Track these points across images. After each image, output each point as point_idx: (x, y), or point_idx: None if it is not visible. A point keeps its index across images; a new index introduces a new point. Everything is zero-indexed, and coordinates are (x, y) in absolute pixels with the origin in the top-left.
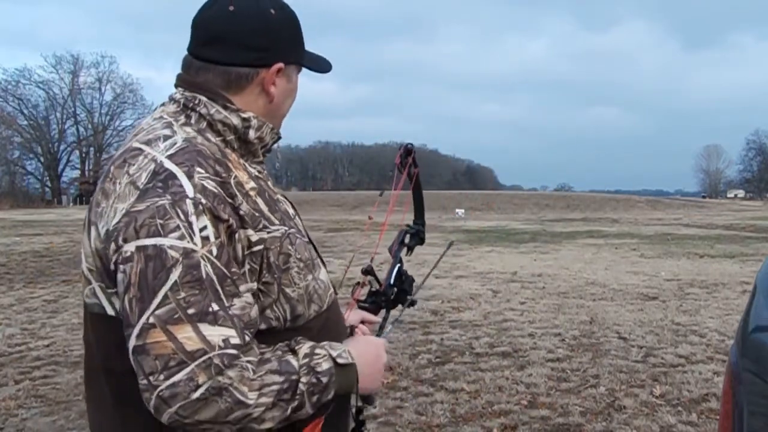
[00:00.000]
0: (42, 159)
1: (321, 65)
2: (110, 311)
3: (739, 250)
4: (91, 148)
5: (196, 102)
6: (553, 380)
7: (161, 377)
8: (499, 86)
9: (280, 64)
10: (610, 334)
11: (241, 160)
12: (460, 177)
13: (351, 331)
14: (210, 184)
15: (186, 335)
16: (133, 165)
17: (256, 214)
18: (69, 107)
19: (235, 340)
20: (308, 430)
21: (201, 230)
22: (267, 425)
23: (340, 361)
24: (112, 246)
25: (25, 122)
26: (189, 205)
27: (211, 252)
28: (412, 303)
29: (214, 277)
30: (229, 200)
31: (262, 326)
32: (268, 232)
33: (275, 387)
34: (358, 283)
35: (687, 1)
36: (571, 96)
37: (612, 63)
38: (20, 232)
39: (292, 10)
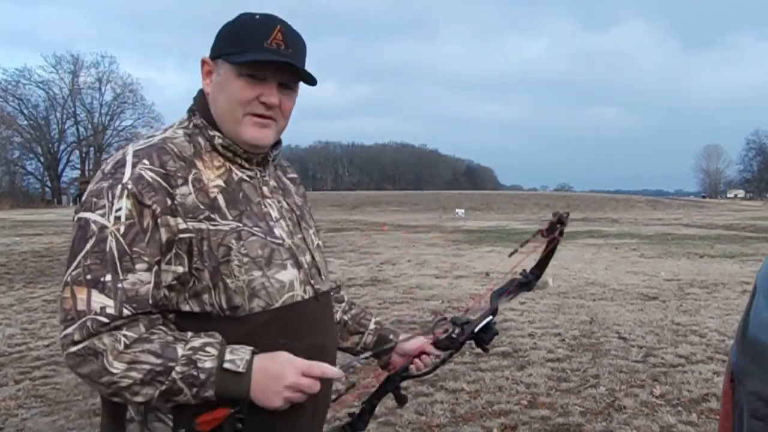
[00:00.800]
0: (42, 159)
1: (253, 55)
2: None
3: (739, 250)
4: (91, 148)
5: (193, 113)
6: (553, 380)
7: (62, 326)
8: (499, 86)
9: (203, 58)
10: (610, 334)
11: (227, 163)
12: (460, 177)
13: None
14: (148, 174)
15: (81, 296)
16: (111, 155)
17: (201, 207)
18: (69, 107)
19: (111, 311)
20: (204, 418)
21: (117, 210)
22: (140, 399)
23: (226, 365)
24: (75, 216)
25: (25, 122)
26: (118, 189)
27: (119, 230)
28: (485, 349)
29: (116, 252)
30: (167, 189)
31: (196, 308)
32: (212, 224)
33: (147, 366)
34: (443, 318)
35: (687, 1)
36: (571, 96)
37: (612, 63)
38: (20, 232)
39: (244, 16)
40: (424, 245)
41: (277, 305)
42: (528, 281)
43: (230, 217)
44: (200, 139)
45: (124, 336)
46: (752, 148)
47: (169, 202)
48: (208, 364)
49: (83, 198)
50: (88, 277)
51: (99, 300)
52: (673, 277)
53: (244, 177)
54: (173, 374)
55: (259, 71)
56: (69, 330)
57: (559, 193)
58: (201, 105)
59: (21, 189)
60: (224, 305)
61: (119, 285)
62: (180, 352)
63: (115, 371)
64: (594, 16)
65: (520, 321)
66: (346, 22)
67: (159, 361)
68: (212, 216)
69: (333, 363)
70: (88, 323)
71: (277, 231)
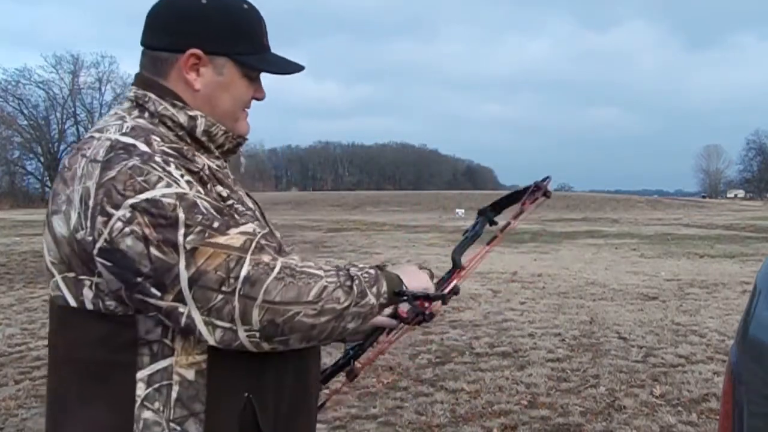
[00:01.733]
0: (42, 159)
1: (269, 64)
2: (72, 302)
3: (739, 250)
4: None
5: (146, 99)
6: (553, 380)
7: (231, 280)
8: (500, 86)
9: (194, 50)
10: (610, 334)
11: (198, 152)
12: (460, 177)
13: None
14: (169, 149)
15: (226, 238)
16: (87, 148)
17: (218, 179)
18: (69, 107)
19: (261, 230)
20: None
21: (182, 177)
22: (345, 304)
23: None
24: (100, 220)
25: (25, 122)
26: (159, 159)
27: (200, 192)
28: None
29: (213, 211)
30: (191, 161)
31: None
32: (230, 195)
33: (333, 270)
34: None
35: (689, 0)
36: (572, 96)
37: (613, 63)
38: (20, 232)
39: (233, 4)
40: (424, 245)
41: None
42: (489, 218)
43: (234, 197)
44: (164, 129)
45: (288, 256)
46: (752, 148)
47: (200, 169)
48: (365, 266)
49: (116, 191)
50: (216, 224)
51: (246, 227)
52: (673, 277)
53: (213, 167)
54: (352, 271)
55: (259, 71)
56: (246, 268)
57: (559, 193)
58: (164, 91)
59: (21, 189)
60: None
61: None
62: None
63: (320, 273)
64: (595, 16)
65: (520, 321)
66: (348, 22)
67: (329, 267)
68: (229, 191)
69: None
70: (262, 240)
71: (262, 220)
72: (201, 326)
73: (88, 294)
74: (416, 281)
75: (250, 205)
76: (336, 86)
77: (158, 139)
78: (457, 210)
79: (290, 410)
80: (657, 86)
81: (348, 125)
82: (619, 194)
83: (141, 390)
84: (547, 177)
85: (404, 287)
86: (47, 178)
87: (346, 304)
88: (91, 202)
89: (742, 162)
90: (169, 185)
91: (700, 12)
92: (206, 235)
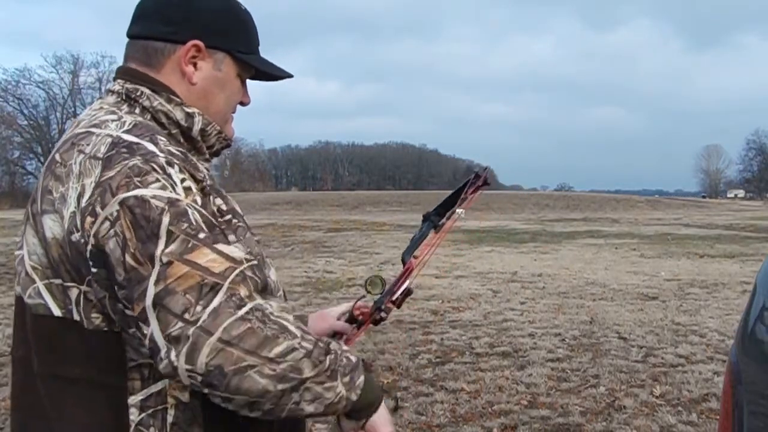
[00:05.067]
0: (42, 159)
1: (265, 65)
2: (57, 311)
3: (739, 250)
4: None
5: (138, 94)
6: (553, 380)
7: (198, 308)
8: (502, 86)
9: (197, 42)
10: (610, 334)
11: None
12: (460, 177)
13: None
14: (176, 150)
15: (209, 258)
16: (85, 144)
17: (217, 189)
18: (69, 107)
19: (254, 259)
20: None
21: (182, 182)
22: (307, 375)
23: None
24: (88, 220)
25: (25, 122)
26: (162, 160)
27: (195, 201)
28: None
29: (203, 225)
30: (196, 169)
31: None
32: (228, 211)
33: (313, 338)
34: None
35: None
36: (572, 96)
37: (615, 63)
38: (20, 232)
39: (233, 1)
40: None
41: None
42: (434, 223)
43: (228, 208)
44: (158, 125)
45: (275, 301)
46: (752, 148)
47: (204, 180)
48: (351, 355)
49: (110, 190)
50: (201, 236)
51: (235, 249)
52: (673, 277)
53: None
54: (332, 346)
55: (256, 71)
56: (219, 299)
57: (559, 193)
58: (158, 85)
59: (21, 189)
60: None
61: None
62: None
63: (295, 331)
64: (599, 16)
65: (520, 321)
66: (350, 23)
67: (310, 335)
68: (226, 201)
69: None
70: (248, 272)
71: (249, 228)
72: (162, 351)
73: (74, 303)
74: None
75: (239, 211)
76: (337, 86)
77: (164, 138)
78: (457, 210)
79: (284, 420)
80: (658, 86)
81: (348, 125)
82: (619, 194)
83: (134, 415)
84: (486, 167)
85: (378, 403)
86: None
87: (308, 375)
88: (84, 202)
89: (742, 162)
90: (163, 188)
91: (704, 11)
92: (188, 246)
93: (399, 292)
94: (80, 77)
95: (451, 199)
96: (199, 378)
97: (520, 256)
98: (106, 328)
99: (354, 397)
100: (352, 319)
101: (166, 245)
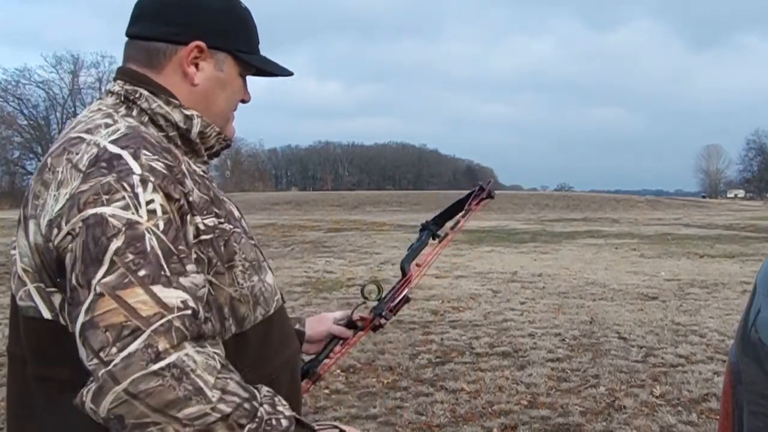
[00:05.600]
0: (42, 159)
1: (266, 64)
2: (47, 314)
3: (739, 250)
4: None
5: (137, 96)
6: (553, 380)
7: (113, 350)
8: (502, 86)
9: (199, 42)
10: (610, 334)
11: (185, 158)
12: (460, 177)
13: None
14: (158, 165)
15: (139, 299)
16: (74, 152)
17: (207, 201)
18: (69, 107)
19: (194, 305)
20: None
21: (148, 203)
22: None
23: (298, 417)
24: (54, 231)
25: (25, 122)
26: (135, 180)
27: (157, 226)
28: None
29: (159, 252)
30: (179, 184)
31: None
32: (220, 223)
33: (237, 399)
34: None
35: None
36: (572, 96)
37: (616, 63)
38: None
39: (234, 1)
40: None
41: (272, 311)
42: (432, 232)
43: (222, 218)
44: (153, 130)
45: (216, 353)
46: (752, 148)
47: (185, 197)
48: (287, 412)
49: (78, 204)
50: (141, 273)
51: (172, 294)
52: (673, 277)
53: (198, 172)
54: (260, 412)
55: (258, 70)
56: (134, 346)
57: (559, 193)
58: (157, 88)
59: (21, 189)
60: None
61: (181, 283)
62: (256, 391)
63: (212, 397)
64: (600, 16)
65: (520, 321)
66: (350, 23)
67: (245, 394)
68: (216, 211)
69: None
70: (176, 322)
71: (247, 229)
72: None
73: (60, 309)
74: None
75: (237, 214)
76: (338, 86)
77: (148, 153)
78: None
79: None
80: (658, 86)
81: (348, 125)
82: (619, 194)
83: None
84: (490, 180)
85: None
86: None
87: None
88: (54, 213)
89: (742, 162)
90: (125, 208)
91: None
92: (124, 281)
93: (398, 299)
94: (80, 77)
95: (452, 210)
96: (101, 420)
97: (520, 256)
98: None
99: None
100: (350, 324)
101: (105, 275)
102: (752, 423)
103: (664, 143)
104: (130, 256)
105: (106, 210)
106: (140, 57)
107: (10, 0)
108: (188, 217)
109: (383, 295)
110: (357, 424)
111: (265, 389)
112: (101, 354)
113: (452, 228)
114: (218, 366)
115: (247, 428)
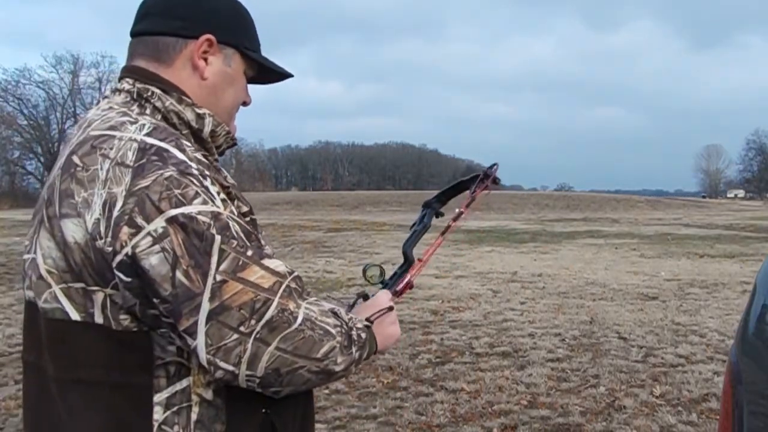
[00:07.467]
0: (42, 159)
1: (271, 63)
2: (75, 316)
3: (739, 250)
4: None
5: (150, 94)
6: (553, 380)
7: (252, 321)
8: (502, 86)
9: (209, 36)
10: (610, 334)
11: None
12: (460, 177)
13: None
14: (201, 156)
15: (258, 275)
16: (108, 148)
17: (233, 191)
18: (69, 107)
19: (291, 268)
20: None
21: (217, 194)
22: (341, 367)
23: (368, 324)
24: (126, 231)
25: (25, 122)
26: (196, 172)
27: (232, 212)
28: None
29: (243, 234)
30: (218, 173)
31: None
32: (248, 210)
33: (342, 330)
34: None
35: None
36: (573, 96)
37: (616, 63)
38: (20, 232)
39: (242, 6)
40: (423, 245)
41: None
42: (435, 210)
43: (245, 204)
44: (170, 126)
45: (315, 300)
46: (752, 148)
47: (223, 185)
48: (360, 324)
49: (149, 201)
50: (249, 253)
51: (278, 263)
52: (673, 277)
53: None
54: (353, 336)
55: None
56: (271, 312)
57: (559, 193)
58: (168, 85)
59: (21, 189)
60: None
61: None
62: (341, 312)
63: (334, 332)
64: (600, 17)
65: (520, 321)
66: (351, 23)
67: (340, 322)
68: (242, 201)
69: None
70: (292, 284)
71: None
72: (204, 362)
73: (99, 307)
74: (385, 339)
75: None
76: (338, 86)
77: (189, 144)
78: (457, 210)
79: (302, 419)
80: (658, 86)
81: (348, 125)
82: (619, 194)
83: (159, 414)
84: (495, 164)
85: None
86: (47, 178)
87: (341, 367)
88: (116, 211)
89: (742, 162)
90: (205, 202)
91: (705, 12)
92: (239, 263)
93: (403, 283)
94: (80, 77)
95: (454, 189)
96: (257, 380)
97: (520, 256)
98: (135, 328)
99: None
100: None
101: (219, 263)
102: (752, 423)
103: (664, 143)
104: (234, 242)
105: (191, 209)
106: (149, 52)
107: (10, 0)
108: (236, 202)
109: (386, 279)
110: (357, 424)
111: (338, 309)
112: (241, 328)
113: (455, 219)
114: (325, 308)
115: (353, 349)
